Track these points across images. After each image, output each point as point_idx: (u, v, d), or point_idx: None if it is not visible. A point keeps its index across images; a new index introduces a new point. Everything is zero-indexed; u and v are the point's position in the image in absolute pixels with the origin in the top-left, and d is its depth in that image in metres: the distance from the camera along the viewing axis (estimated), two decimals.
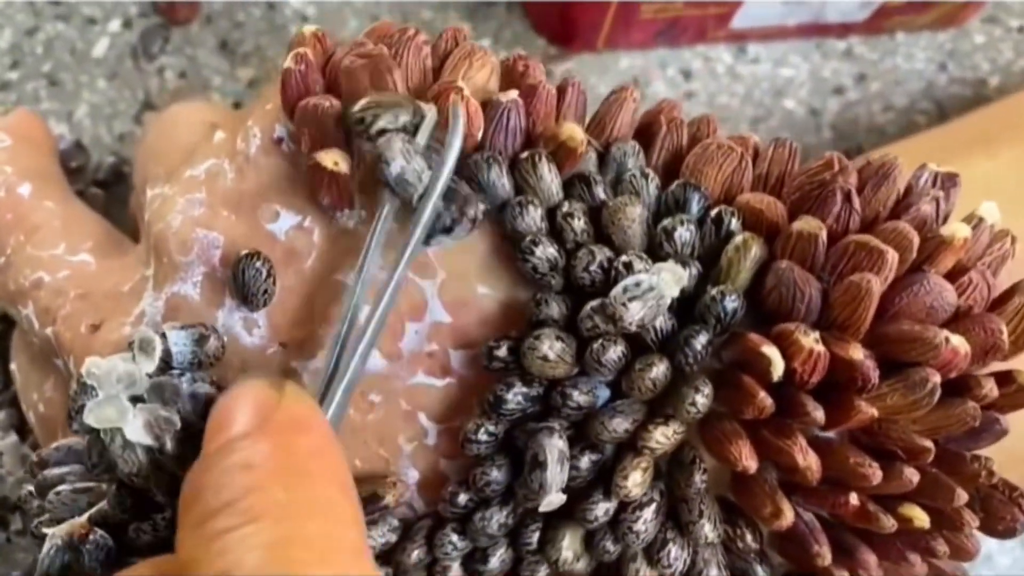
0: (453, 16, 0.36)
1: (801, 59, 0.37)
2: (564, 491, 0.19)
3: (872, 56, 0.37)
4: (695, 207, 0.20)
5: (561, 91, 0.21)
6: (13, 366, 0.26)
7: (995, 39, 0.37)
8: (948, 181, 0.21)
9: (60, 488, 0.20)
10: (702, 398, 0.18)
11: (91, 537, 0.18)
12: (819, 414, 0.18)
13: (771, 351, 0.18)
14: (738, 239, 0.19)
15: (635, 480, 0.19)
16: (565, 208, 0.19)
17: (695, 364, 0.19)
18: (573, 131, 0.19)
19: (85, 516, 0.19)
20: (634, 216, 0.19)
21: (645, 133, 0.22)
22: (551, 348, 0.19)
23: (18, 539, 0.28)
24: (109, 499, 0.19)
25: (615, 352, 0.19)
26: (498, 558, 0.20)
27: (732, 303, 0.19)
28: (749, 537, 0.20)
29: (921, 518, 0.19)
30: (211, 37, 0.35)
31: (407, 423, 0.20)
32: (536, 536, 0.20)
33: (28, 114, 0.28)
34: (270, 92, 0.22)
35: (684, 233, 0.19)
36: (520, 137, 0.20)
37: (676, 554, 0.19)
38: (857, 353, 0.18)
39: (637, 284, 0.18)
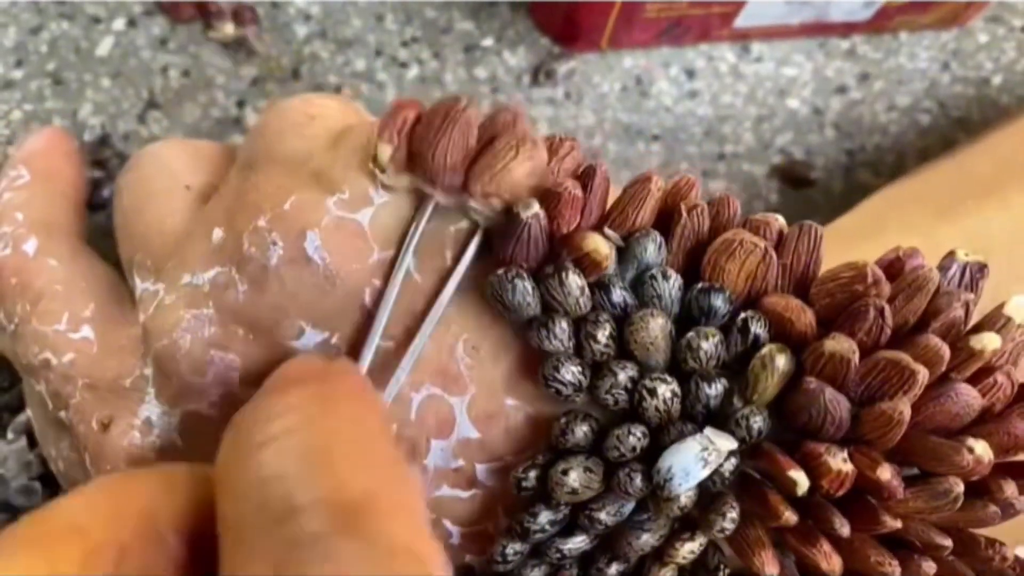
0: (457, 15, 0.36)
1: (804, 58, 0.37)
2: None
3: (875, 55, 0.37)
4: (720, 313, 0.20)
5: (586, 176, 0.20)
6: (29, 413, 0.26)
7: (998, 38, 0.37)
8: (977, 272, 0.20)
9: None
10: (730, 523, 0.19)
11: None
12: (845, 530, 0.18)
13: (798, 475, 0.18)
14: (764, 352, 0.19)
15: None
16: (588, 327, 0.19)
17: (723, 485, 0.19)
18: (598, 245, 0.19)
19: None
20: (656, 332, 0.19)
21: (664, 218, 0.21)
22: (578, 480, 0.19)
23: None
24: None
25: (641, 480, 0.19)
26: None
27: (758, 423, 0.19)
28: None
29: None
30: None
31: (431, 526, 0.20)
32: None
33: (53, 138, 0.27)
34: (277, 183, 0.20)
35: (709, 347, 0.19)
36: (543, 246, 0.20)
37: None
38: (885, 474, 0.18)
39: (687, 475, 0.18)
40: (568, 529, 0.20)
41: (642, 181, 0.20)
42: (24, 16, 0.34)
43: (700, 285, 0.20)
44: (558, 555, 0.20)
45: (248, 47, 0.35)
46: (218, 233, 0.21)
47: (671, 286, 0.20)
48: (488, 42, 0.36)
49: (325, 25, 0.35)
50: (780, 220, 0.21)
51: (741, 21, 0.35)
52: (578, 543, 0.20)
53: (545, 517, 0.19)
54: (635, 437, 0.19)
